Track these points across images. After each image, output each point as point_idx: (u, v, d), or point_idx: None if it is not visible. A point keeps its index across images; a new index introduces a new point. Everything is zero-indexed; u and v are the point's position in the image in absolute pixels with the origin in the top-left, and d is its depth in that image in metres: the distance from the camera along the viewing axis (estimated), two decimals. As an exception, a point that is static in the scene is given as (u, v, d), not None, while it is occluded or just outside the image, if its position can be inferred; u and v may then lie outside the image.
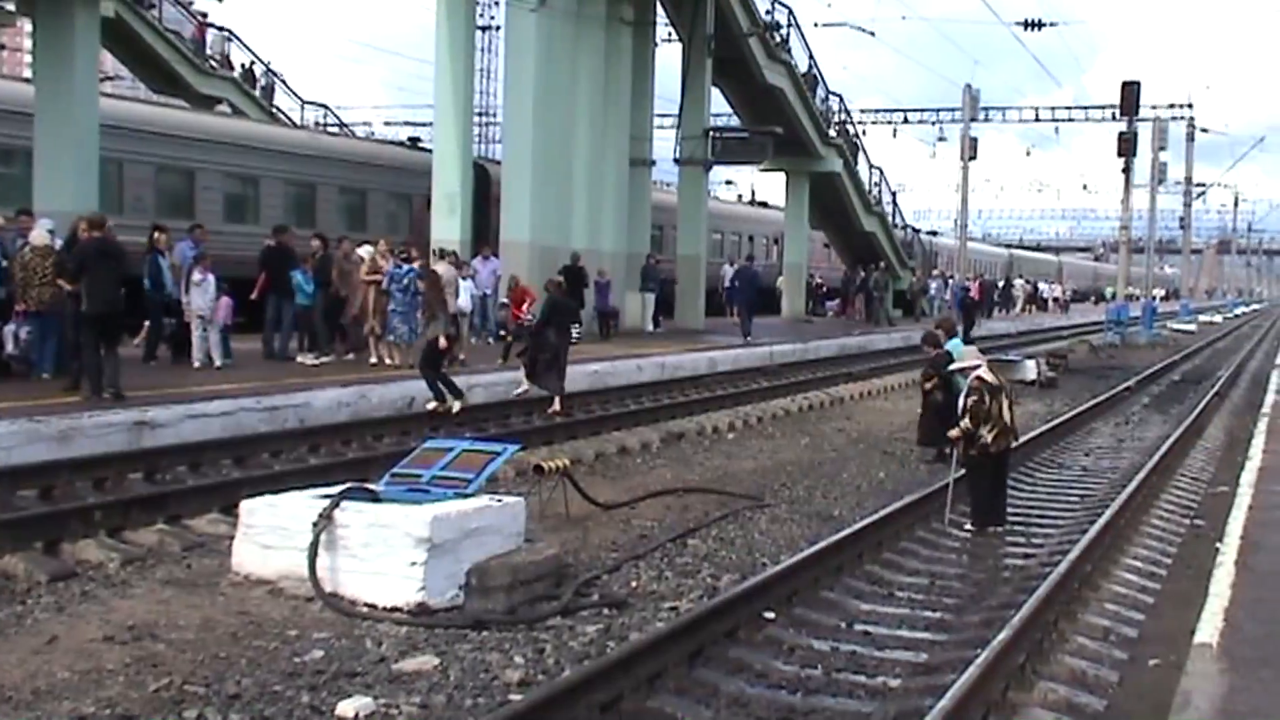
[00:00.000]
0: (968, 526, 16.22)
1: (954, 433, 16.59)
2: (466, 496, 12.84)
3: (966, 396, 16.23)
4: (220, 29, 54.58)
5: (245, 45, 55.59)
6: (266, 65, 56.46)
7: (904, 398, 31.54)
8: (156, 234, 24.90)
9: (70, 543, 13.44)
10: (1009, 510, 17.19)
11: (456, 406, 22.11)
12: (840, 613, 12.34)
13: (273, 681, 9.67)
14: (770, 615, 11.76)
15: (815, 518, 16.87)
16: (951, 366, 18.18)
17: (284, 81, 58.14)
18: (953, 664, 10.28)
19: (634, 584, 13.09)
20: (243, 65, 55.00)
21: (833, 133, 55.65)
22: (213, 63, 51.77)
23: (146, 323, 25.07)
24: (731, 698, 9.68)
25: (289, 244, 27.75)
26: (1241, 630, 9.85)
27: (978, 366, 16.44)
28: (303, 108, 59.15)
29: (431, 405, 22.00)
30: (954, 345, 21.57)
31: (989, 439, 15.95)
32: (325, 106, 62.38)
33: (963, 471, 16.74)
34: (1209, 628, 9.99)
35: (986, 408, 15.90)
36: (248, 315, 28.49)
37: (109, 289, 19.31)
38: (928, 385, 21.84)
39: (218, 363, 24.36)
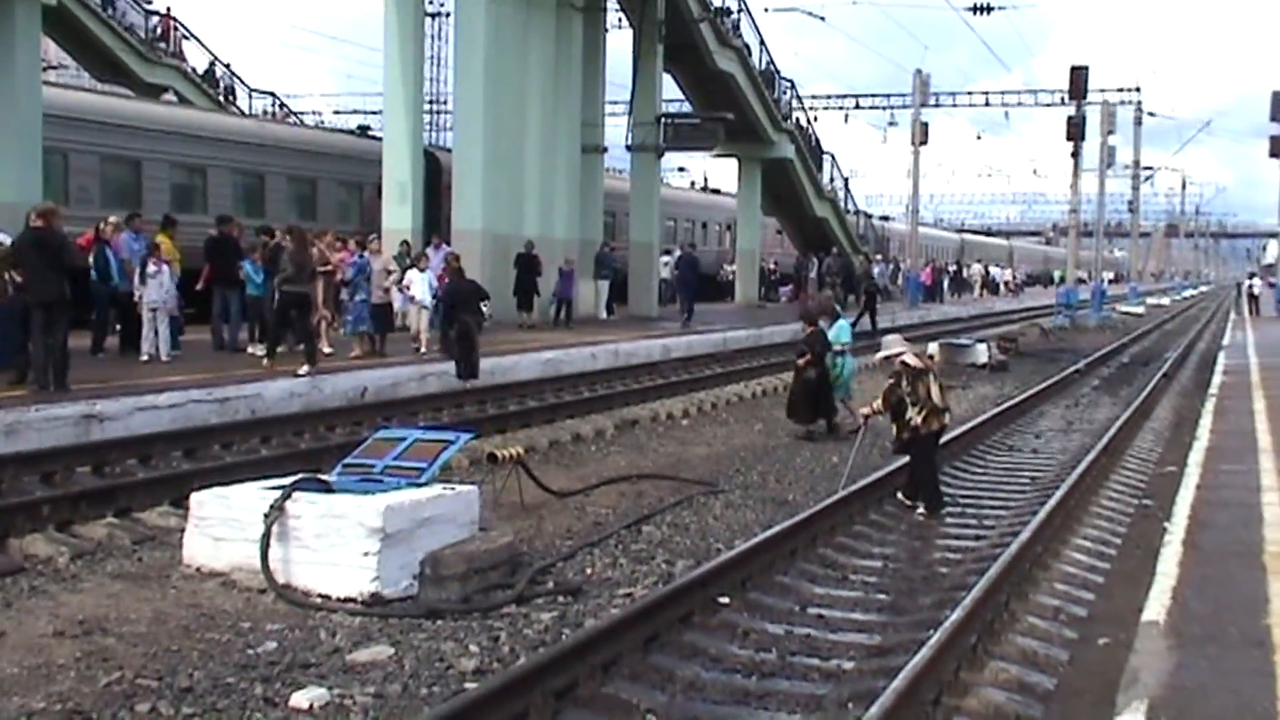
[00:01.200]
0: (920, 511, 16.31)
1: (865, 410, 17.31)
2: (419, 486, 12.81)
3: (887, 382, 16.70)
4: (183, 28, 54.23)
5: (199, 40, 55.23)
6: (214, 57, 56.11)
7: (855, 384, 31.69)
8: (103, 225, 24.72)
9: (18, 538, 13.34)
10: (962, 493, 17.38)
11: (304, 369, 22.29)
12: (794, 596, 12.39)
13: (226, 674, 9.63)
14: (725, 600, 11.79)
15: (769, 503, 16.92)
16: (877, 355, 18.45)
17: (230, 70, 57.78)
18: (906, 645, 10.33)
19: (589, 571, 13.11)
20: (210, 64, 54.72)
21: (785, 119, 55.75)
22: (159, 51, 51.36)
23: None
24: (687, 682, 9.70)
25: (233, 234, 27.60)
26: (1189, 608, 9.94)
27: (901, 354, 16.62)
28: (250, 96, 58.78)
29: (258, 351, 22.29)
30: (841, 326, 23.44)
31: (918, 420, 16.18)
32: (273, 95, 62.03)
33: (860, 440, 17.67)
34: (1157, 606, 10.09)
35: (909, 390, 16.18)
36: (196, 306, 28.33)
37: (45, 279, 19.18)
38: (800, 362, 22.75)
39: (165, 355, 24.20)
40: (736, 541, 14.12)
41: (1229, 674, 8.52)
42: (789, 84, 58.24)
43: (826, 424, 22.72)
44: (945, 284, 78.80)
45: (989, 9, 61.43)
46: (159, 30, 51.84)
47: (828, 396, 22.70)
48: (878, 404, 16.65)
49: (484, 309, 24.84)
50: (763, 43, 54.58)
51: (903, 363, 16.47)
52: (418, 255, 31.13)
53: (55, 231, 19.76)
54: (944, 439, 17.47)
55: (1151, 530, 14.94)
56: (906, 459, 16.86)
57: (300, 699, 9.04)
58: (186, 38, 54.08)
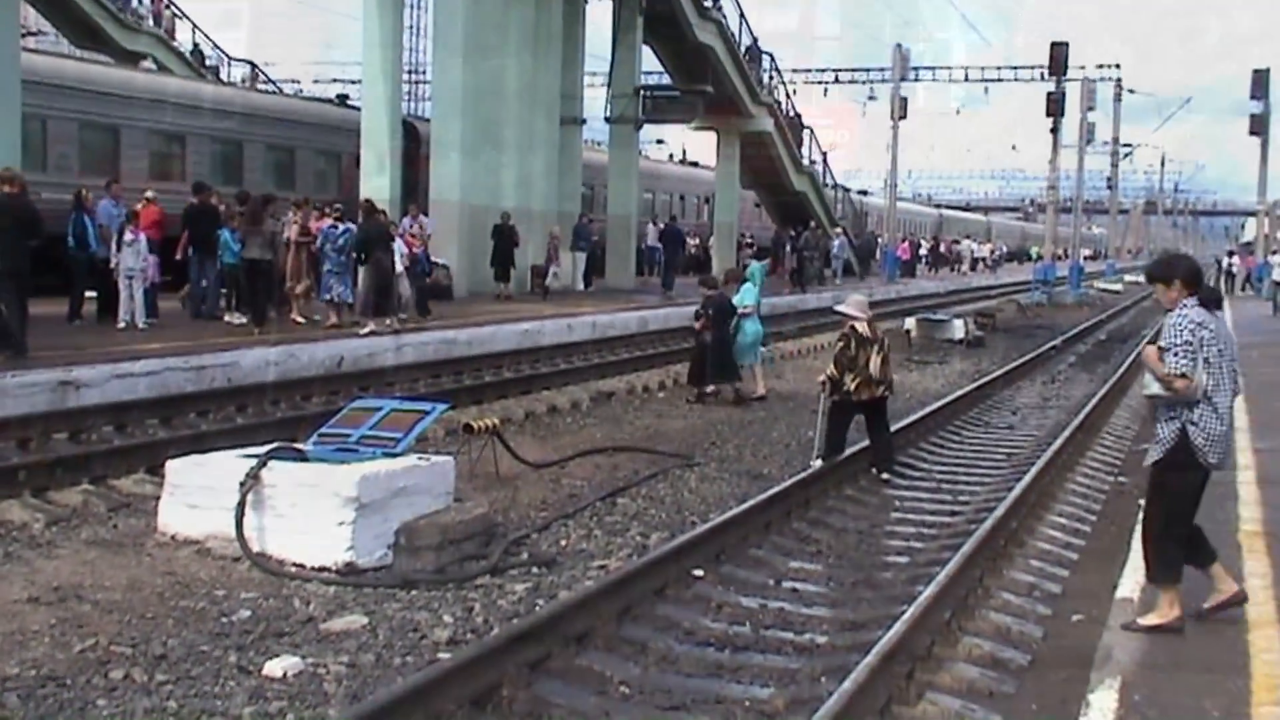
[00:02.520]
0: (816, 460, 16.57)
1: (821, 378, 17.24)
2: (395, 456, 12.82)
3: (836, 343, 16.87)
4: (175, 7, 54.00)
5: (189, 19, 54.94)
6: (204, 34, 55.82)
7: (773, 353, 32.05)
8: (83, 191, 24.64)
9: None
10: (939, 469, 17.50)
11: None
12: (768, 570, 12.43)
13: (200, 642, 9.64)
14: (699, 573, 11.82)
15: (744, 476, 16.95)
16: (838, 308, 18.45)
17: (215, 44, 57.51)
18: (880, 620, 10.37)
19: (563, 542, 13.13)
20: (195, 45, 54.48)
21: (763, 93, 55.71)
22: (138, 18, 51.08)
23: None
24: (660, 655, 9.73)
25: (211, 202, 27.48)
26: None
27: (854, 317, 16.78)
28: (229, 64, 58.51)
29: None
30: (745, 289, 23.56)
31: (852, 387, 16.37)
32: (251, 64, 61.75)
33: (822, 409, 17.31)
34: (1130, 582, 10.14)
35: (852, 356, 16.35)
36: (174, 274, 28.22)
37: (15, 247, 19.09)
38: (697, 325, 23.16)
39: (141, 323, 24.13)
40: (711, 514, 14.16)
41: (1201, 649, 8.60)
42: (768, 57, 58.16)
43: (732, 390, 22.89)
44: (921, 259, 78.98)
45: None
46: (154, 13, 51.59)
47: (729, 362, 22.81)
48: (831, 370, 16.75)
49: (397, 252, 25.20)
50: (743, 16, 54.48)
51: (851, 326, 16.66)
52: (391, 224, 31.06)
53: (24, 198, 19.66)
54: (923, 412, 17.52)
55: (1125, 508, 15.00)
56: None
57: (274, 667, 9.06)
58: (178, 16, 53.86)
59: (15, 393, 17.29)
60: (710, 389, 22.76)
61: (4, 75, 26.93)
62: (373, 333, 24.18)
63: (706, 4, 49.40)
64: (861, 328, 16.68)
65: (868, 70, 79.48)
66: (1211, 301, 9.33)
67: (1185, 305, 8.94)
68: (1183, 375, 8.70)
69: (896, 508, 15.63)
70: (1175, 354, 8.74)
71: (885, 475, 16.74)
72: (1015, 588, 11.93)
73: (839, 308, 17.81)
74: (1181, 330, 8.77)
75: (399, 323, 26.34)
